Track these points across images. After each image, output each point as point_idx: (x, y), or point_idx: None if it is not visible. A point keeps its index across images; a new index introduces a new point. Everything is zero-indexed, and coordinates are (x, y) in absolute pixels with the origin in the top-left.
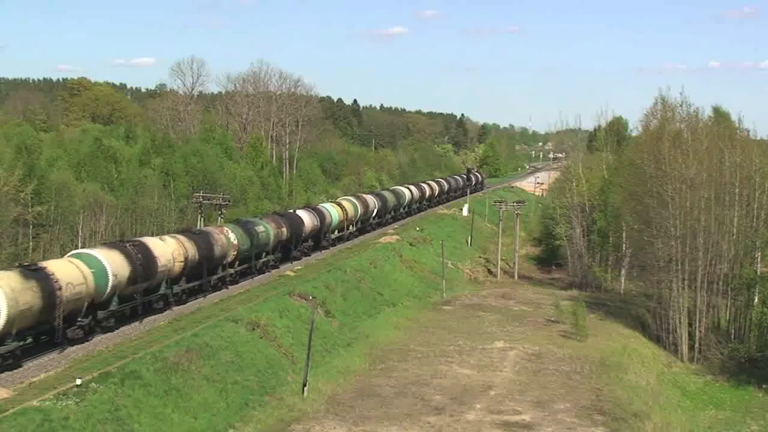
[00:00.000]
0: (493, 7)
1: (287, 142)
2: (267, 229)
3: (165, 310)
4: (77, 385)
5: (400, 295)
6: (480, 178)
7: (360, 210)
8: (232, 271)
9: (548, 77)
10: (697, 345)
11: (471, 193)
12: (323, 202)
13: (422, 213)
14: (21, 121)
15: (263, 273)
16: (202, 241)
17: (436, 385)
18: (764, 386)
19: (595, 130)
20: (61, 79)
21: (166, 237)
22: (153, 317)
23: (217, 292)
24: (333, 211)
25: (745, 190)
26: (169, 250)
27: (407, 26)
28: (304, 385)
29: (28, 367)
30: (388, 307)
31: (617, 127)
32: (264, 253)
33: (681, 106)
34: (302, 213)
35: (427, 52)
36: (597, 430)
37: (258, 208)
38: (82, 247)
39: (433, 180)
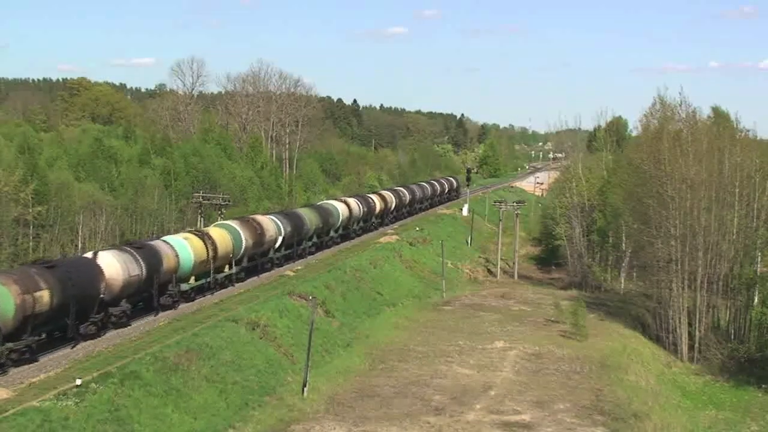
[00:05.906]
0: (493, 7)
1: (287, 142)
2: None
3: None
4: (77, 386)
5: (400, 295)
6: (455, 185)
7: (246, 241)
8: None
9: (548, 77)
10: (696, 345)
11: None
12: (326, 199)
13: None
14: (21, 121)
15: None
16: None
17: (436, 385)
18: (764, 386)
19: (594, 130)
20: (61, 79)
21: None
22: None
23: None
24: (184, 249)
25: (745, 190)
26: None
27: (407, 26)
28: (304, 385)
29: (28, 367)
30: (388, 307)
31: (617, 127)
32: None
33: (680, 105)
34: (108, 257)
35: (427, 52)
36: (597, 430)
37: (259, 208)
38: (83, 248)
39: (390, 189)
